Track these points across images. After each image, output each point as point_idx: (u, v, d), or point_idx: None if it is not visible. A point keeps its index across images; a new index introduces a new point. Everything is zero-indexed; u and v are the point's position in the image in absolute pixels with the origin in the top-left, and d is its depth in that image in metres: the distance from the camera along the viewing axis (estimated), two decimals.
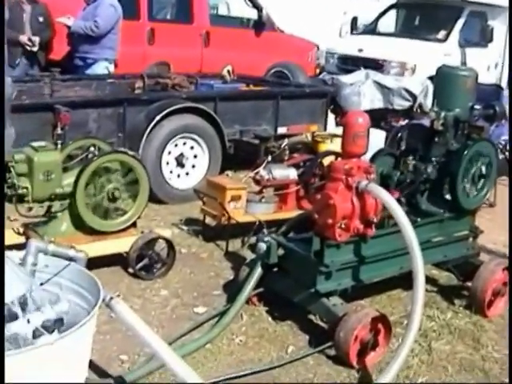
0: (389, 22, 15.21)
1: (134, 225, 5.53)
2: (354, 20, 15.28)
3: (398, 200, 4.61)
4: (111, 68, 9.35)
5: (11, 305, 2.69)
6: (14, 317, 2.74)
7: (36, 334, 2.76)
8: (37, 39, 9.16)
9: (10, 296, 2.64)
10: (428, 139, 5.14)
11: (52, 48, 9.88)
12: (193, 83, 8.94)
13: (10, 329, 2.76)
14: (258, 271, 4.74)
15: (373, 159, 5.12)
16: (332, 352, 4.36)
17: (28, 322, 2.72)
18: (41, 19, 9.31)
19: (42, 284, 3.10)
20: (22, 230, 5.52)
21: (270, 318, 4.84)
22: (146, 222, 6.01)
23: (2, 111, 2.95)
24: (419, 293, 3.97)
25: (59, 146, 5.44)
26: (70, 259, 3.21)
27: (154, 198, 5.72)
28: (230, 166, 8.07)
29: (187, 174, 7.56)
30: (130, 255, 5.31)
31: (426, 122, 5.54)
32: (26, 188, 5.07)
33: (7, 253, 2.86)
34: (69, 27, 9.22)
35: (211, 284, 5.42)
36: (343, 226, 4.34)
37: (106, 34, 9.11)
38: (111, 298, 3.08)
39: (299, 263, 4.65)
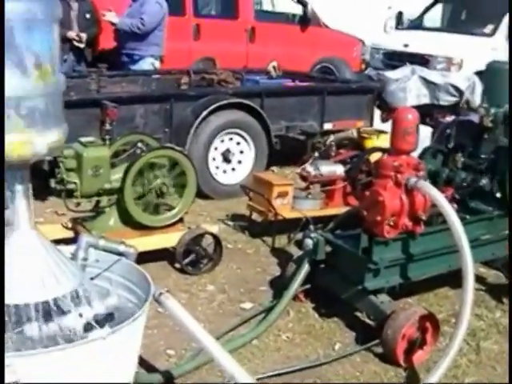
0: (435, 17, 15.04)
1: (181, 220, 5.54)
2: (400, 15, 15.14)
3: (448, 198, 4.56)
4: (157, 64, 9.39)
5: (63, 299, 2.71)
6: (66, 311, 2.76)
7: (87, 328, 2.78)
8: (84, 35, 9.22)
9: (63, 290, 2.66)
10: (477, 136, 5.09)
11: (98, 44, 9.96)
12: (238, 79, 8.95)
13: (62, 322, 2.79)
14: (306, 267, 4.72)
15: (421, 156, 5.08)
16: (379, 350, 4.33)
17: (80, 316, 2.74)
18: (88, 16, 9.37)
19: (92, 278, 3.12)
20: (70, 225, 5.57)
21: (316, 315, 4.82)
22: (192, 217, 6.02)
23: (2, 111, 2.98)
24: (468, 291, 3.92)
25: (107, 141, 5.48)
26: (120, 254, 3.22)
27: (200, 194, 5.74)
28: (276, 161, 8.04)
29: (233, 169, 7.57)
30: (177, 250, 5.33)
31: (473, 118, 5.48)
32: (75, 183, 5.11)
33: (59, 247, 2.88)
34: (115, 24, 9.28)
35: (258, 280, 5.42)
36: (392, 223, 4.30)
37: (152, 31, 9.14)
38: (161, 293, 3.09)
39: (347, 260, 4.62)
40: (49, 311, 2.71)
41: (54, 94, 2.54)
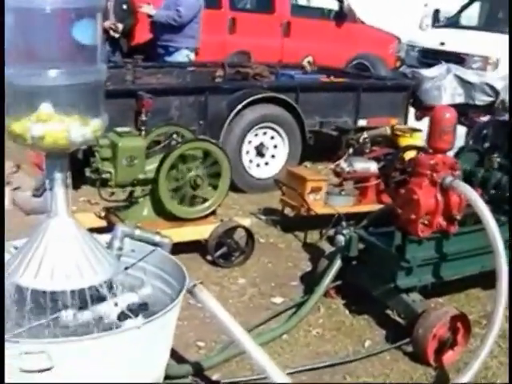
0: (472, 15, 14.90)
1: (213, 213, 5.56)
2: (436, 12, 15.03)
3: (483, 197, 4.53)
4: (192, 56, 9.42)
5: (99, 287, 2.72)
6: (101, 299, 2.78)
7: (121, 317, 2.80)
8: (120, 26, 9.27)
9: (99, 279, 2.67)
10: None
11: (134, 35, 10.02)
12: (273, 73, 8.94)
13: (97, 310, 2.81)
14: (338, 264, 4.71)
15: (457, 155, 5.04)
16: (409, 348, 4.30)
17: (115, 305, 2.75)
18: (124, 7, 9.43)
19: (127, 268, 3.13)
20: (103, 214, 5.61)
21: (347, 311, 4.81)
22: (224, 210, 6.03)
23: (2, 111, 3.00)
24: (502, 293, 3.88)
25: (143, 132, 5.50)
26: (155, 244, 3.23)
27: (232, 187, 5.74)
28: (308, 157, 8.03)
29: (266, 163, 7.55)
30: (210, 243, 5.34)
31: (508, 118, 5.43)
32: (110, 172, 5.13)
33: (96, 236, 2.90)
34: (151, 16, 9.31)
35: (289, 274, 5.42)
36: (426, 221, 4.28)
37: (188, 23, 9.16)
38: (194, 285, 3.10)
39: (380, 257, 4.60)
40: (84, 299, 2.73)
41: (96, 83, 2.56)
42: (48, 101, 2.44)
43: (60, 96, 2.45)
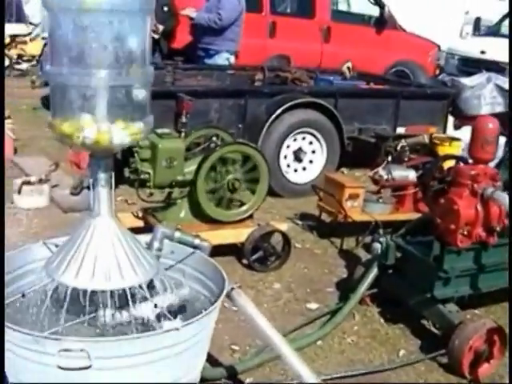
0: None
1: (250, 216, 5.56)
2: (477, 20, 14.94)
3: None
4: (232, 59, 9.45)
5: (138, 288, 2.74)
6: (141, 300, 2.80)
7: (159, 318, 2.81)
8: (160, 27, 9.32)
9: (139, 279, 2.69)
10: None
11: (174, 37, 10.08)
12: (312, 78, 8.93)
13: (136, 311, 2.82)
14: (374, 271, 4.70)
15: (498, 166, 5.00)
16: (444, 360, 4.26)
17: (155, 306, 2.76)
18: (165, 8, 9.47)
19: (166, 269, 3.14)
20: (140, 214, 5.64)
21: (382, 320, 4.78)
22: (261, 214, 6.02)
23: (2, 111, 3.01)
24: None
25: (182, 133, 5.53)
26: (195, 247, 3.24)
27: (269, 191, 5.73)
28: (345, 163, 8.01)
29: (304, 168, 7.54)
30: (246, 246, 5.35)
31: None
32: (149, 173, 5.15)
33: (137, 236, 2.91)
34: (192, 19, 9.35)
35: (324, 280, 5.40)
36: (465, 232, 4.24)
37: (229, 26, 9.20)
38: (232, 289, 3.10)
39: (417, 267, 4.58)
40: (124, 299, 2.74)
41: (143, 85, 2.57)
42: (97, 101, 2.45)
43: (108, 97, 2.47)
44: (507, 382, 3.98)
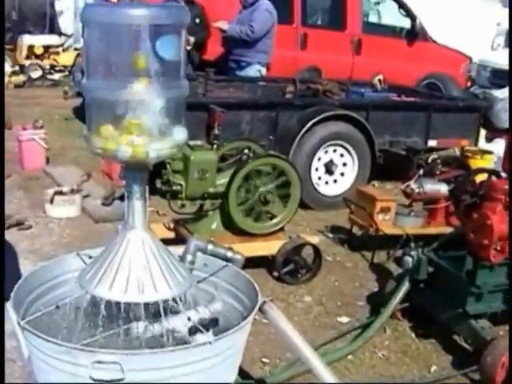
0: None
1: (281, 229, 5.56)
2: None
3: None
4: (263, 71, 9.48)
5: (172, 301, 2.74)
6: (174, 313, 2.80)
7: (192, 331, 2.81)
8: (192, 39, 9.36)
9: (173, 292, 2.69)
10: None
11: (206, 49, 10.14)
12: (343, 90, 8.92)
13: (168, 324, 2.82)
14: (406, 286, 4.67)
15: None
16: (476, 376, 4.23)
17: (188, 319, 2.76)
18: (197, 20, 9.51)
19: (198, 282, 3.14)
20: (171, 226, 5.66)
21: (413, 335, 4.76)
22: (292, 226, 6.01)
23: (2, 111, 3.02)
24: None
25: (215, 145, 5.54)
26: (228, 260, 3.24)
27: (300, 203, 5.72)
28: (376, 175, 7.99)
29: (335, 181, 7.54)
30: (277, 259, 5.34)
31: None
32: (181, 185, 5.18)
33: (170, 248, 2.91)
34: (225, 31, 9.39)
35: (355, 294, 5.39)
36: (498, 247, 4.21)
37: (261, 38, 9.23)
38: (264, 302, 3.10)
39: (449, 282, 4.54)
40: (157, 312, 2.75)
41: (179, 98, 2.58)
42: (132, 115, 2.47)
43: (144, 111, 2.48)
44: None
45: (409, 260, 4.72)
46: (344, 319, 4.96)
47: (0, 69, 2.87)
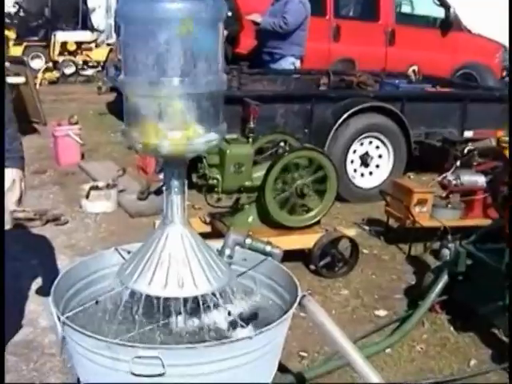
0: None
1: (318, 222, 5.53)
2: None
3: None
4: (298, 64, 9.44)
5: (211, 295, 2.73)
6: (213, 307, 2.79)
7: (231, 326, 2.81)
8: (225, 32, 9.34)
9: (212, 287, 2.68)
10: None
11: (239, 42, 10.12)
12: (377, 82, 8.87)
13: (208, 318, 2.82)
14: (444, 278, 4.63)
15: None
16: None
17: (228, 314, 2.76)
18: (229, 14, 9.47)
19: (237, 276, 3.14)
20: (207, 220, 5.66)
21: (452, 328, 4.71)
22: (328, 219, 5.98)
23: (2, 111, 3.01)
24: None
25: (250, 139, 5.53)
26: (266, 254, 3.22)
27: (336, 196, 5.70)
28: (412, 167, 7.94)
29: (371, 173, 7.51)
30: (314, 252, 5.33)
31: None
32: (217, 179, 5.18)
33: (209, 242, 2.91)
34: (258, 24, 9.36)
35: (392, 287, 5.36)
36: None
37: (295, 31, 9.19)
38: (303, 296, 3.08)
39: (488, 274, 4.48)
40: (197, 307, 2.74)
41: (217, 93, 2.57)
42: (170, 110, 2.46)
43: (182, 106, 2.47)
44: None
45: (447, 253, 4.68)
46: (381, 312, 4.93)
47: (0, 69, 2.87)
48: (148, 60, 2.45)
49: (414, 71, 9.41)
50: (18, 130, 3.54)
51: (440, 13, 12.36)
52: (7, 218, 6.25)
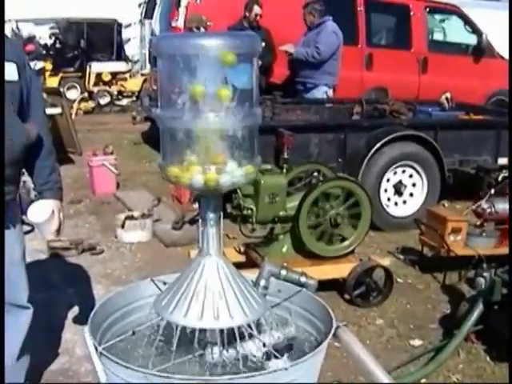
0: None
1: (352, 251, 5.53)
2: None
3: None
4: (330, 93, 9.47)
5: (246, 326, 2.75)
6: (249, 338, 2.81)
7: (267, 357, 2.81)
8: (258, 62, 9.40)
9: (248, 319, 2.69)
10: None
11: (272, 72, 10.18)
12: (411, 110, 8.87)
13: (243, 348, 2.83)
14: (479, 308, 4.59)
15: None
16: None
17: (264, 345, 2.77)
18: (263, 44, 9.54)
19: (272, 307, 3.15)
20: (242, 249, 5.69)
21: (488, 358, 4.67)
22: (361, 248, 5.97)
23: (2, 111, 3.04)
24: None
25: (284, 169, 5.56)
26: (301, 285, 3.24)
27: (370, 225, 5.69)
28: (446, 196, 7.91)
29: (404, 202, 7.50)
30: (348, 281, 5.33)
31: None
32: (251, 209, 5.20)
33: (244, 273, 2.93)
34: (291, 54, 9.43)
35: (427, 316, 5.33)
36: None
37: (327, 60, 9.21)
38: (338, 327, 3.09)
39: None
40: (232, 338, 2.76)
41: (252, 126, 2.60)
42: (207, 145, 2.50)
43: (218, 140, 2.51)
44: None
45: (482, 281, 4.67)
46: (417, 342, 4.91)
47: (0, 70, 2.92)
48: (182, 95, 2.49)
49: (446, 99, 9.39)
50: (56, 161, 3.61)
51: (472, 39, 12.36)
52: (44, 247, 6.36)
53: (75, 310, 5.15)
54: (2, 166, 3.11)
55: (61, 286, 5.66)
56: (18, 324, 3.64)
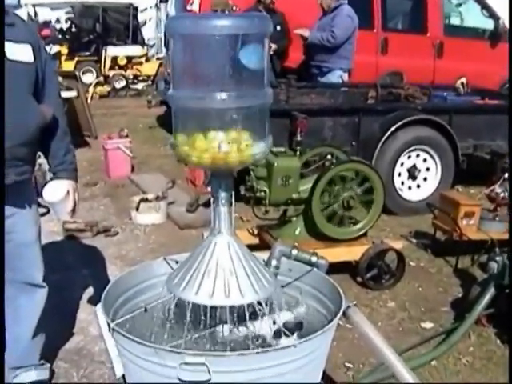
0: None
1: (365, 234, 5.56)
2: None
3: None
4: (345, 77, 9.45)
5: (257, 304, 2.78)
6: (259, 316, 2.84)
7: (276, 335, 2.85)
8: (274, 46, 9.42)
9: (258, 297, 2.73)
10: None
11: (287, 56, 10.19)
12: (426, 94, 8.83)
13: (253, 327, 2.87)
14: (491, 291, 4.60)
15: None
16: None
17: (273, 323, 2.81)
18: (278, 28, 9.56)
19: (283, 287, 3.19)
20: (255, 232, 5.72)
21: (498, 341, 4.69)
22: (375, 231, 6.00)
23: (2, 111, 3.07)
24: None
25: (298, 152, 5.58)
26: (312, 265, 3.27)
27: (383, 209, 5.69)
28: (460, 180, 7.90)
29: (418, 186, 7.51)
30: (361, 264, 5.35)
31: None
32: (264, 191, 5.23)
33: (255, 253, 2.96)
34: (306, 38, 9.41)
35: (439, 300, 5.35)
36: None
37: (342, 44, 9.19)
38: (348, 306, 3.11)
39: None
40: (242, 315, 2.79)
41: (262, 106, 2.63)
42: (218, 123, 2.53)
43: (229, 119, 2.53)
44: None
45: (494, 265, 4.65)
46: (428, 325, 4.93)
47: (0, 70, 2.96)
48: (194, 75, 2.53)
49: (462, 83, 9.35)
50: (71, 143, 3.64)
51: (489, 24, 12.26)
52: (59, 229, 6.41)
53: (90, 291, 5.20)
54: (2, 150, 3.14)
55: (76, 267, 5.72)
56: (33, 302, 3.69)
